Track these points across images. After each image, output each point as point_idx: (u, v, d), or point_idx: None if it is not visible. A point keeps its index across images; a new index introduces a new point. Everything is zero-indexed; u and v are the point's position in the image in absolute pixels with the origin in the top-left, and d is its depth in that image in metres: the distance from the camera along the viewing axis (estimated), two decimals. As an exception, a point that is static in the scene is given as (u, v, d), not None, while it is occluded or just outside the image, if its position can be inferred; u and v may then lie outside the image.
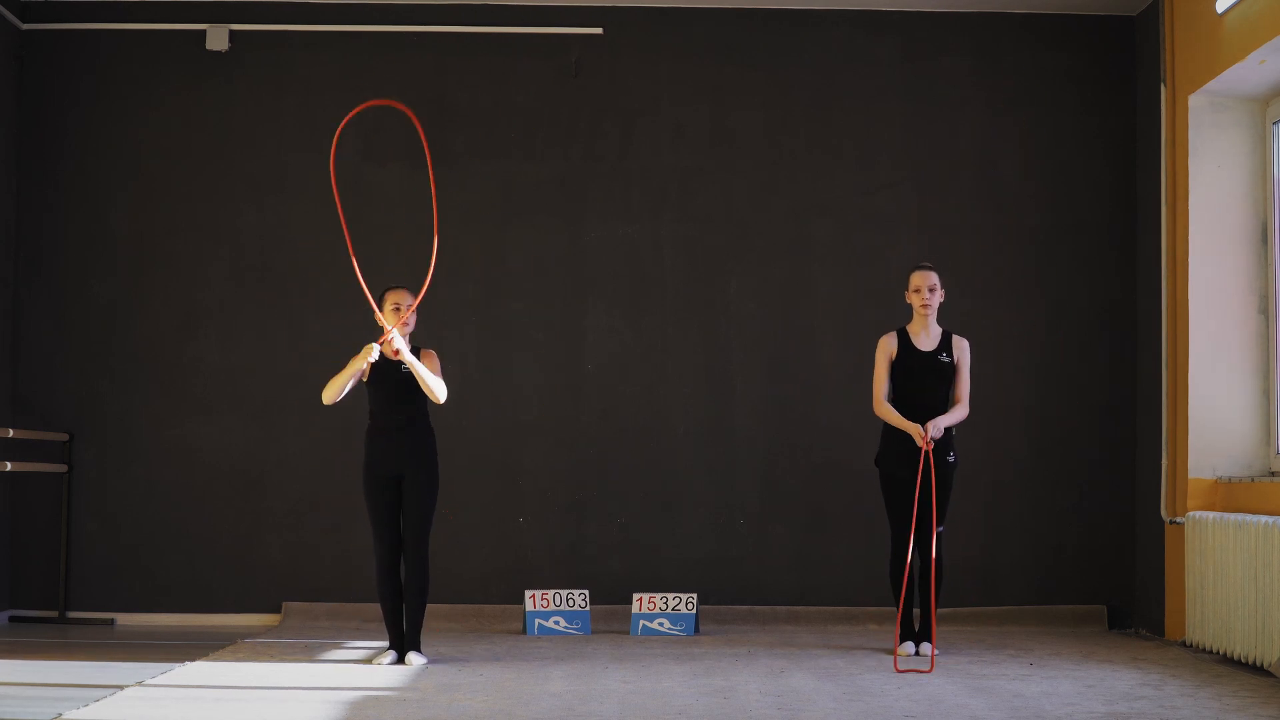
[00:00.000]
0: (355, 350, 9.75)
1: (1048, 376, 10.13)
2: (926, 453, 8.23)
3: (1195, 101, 9.07)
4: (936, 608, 8.44)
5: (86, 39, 10.15)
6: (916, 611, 8.58)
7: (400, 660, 8.02)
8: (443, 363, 8.45)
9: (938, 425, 8.28)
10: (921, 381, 8.41)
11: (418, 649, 8.07)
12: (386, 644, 8.26)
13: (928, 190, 10.21)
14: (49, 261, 10.08)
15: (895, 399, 8.48)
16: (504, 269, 10.18)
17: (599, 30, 10.19)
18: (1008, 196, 10.20)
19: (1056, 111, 10.21)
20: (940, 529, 8.39)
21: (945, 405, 8.44)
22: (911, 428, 8.30)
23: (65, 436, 9.96)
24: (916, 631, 8.51)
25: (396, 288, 8.24)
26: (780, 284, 10.18)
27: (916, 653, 8.36)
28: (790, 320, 10.17)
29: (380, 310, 8.15)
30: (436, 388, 8.01)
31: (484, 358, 10.04)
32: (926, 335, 8.46)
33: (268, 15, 10.18)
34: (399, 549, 8.05)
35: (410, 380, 8.07)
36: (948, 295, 8.73)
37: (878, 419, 8.57)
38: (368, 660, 8.12)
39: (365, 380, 8.15)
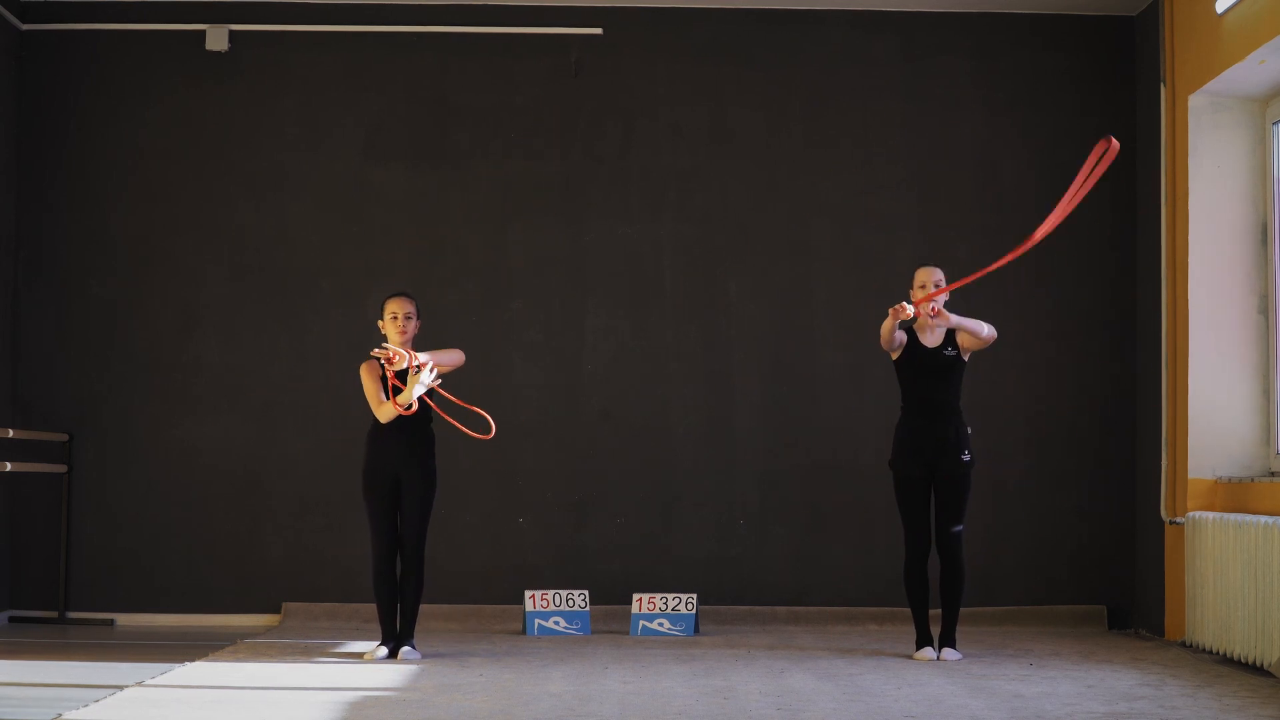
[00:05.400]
0: (358, 354, 9.77)
1: (1048, 377, 10.13)
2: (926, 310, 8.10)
3: (1195, 101, 9.07)
4: (959, 609, 8.33)
5: (86, 39, 10.15)
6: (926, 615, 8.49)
7: (393, 655, 8.12)
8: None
9: (948, 314, 8.10)
10: (928, 380, 8.31)
11: (411, 645, 8.20)
12: (379, 640, 8.28)
13: (928, 190, 10.21)
14: (49, 261, 10.08)
15: (903, 400, 8.41)
16: (504, 269, 10.18)
17: (599, 30, 10.19)
18: (1008, 196, 10.20)
19: (1056, 112, 10.20)
20: (958, 528, 8.28)
21: (953, 403, 8.33)
22: (896, 310, 8.10)
23: (65, 436, 9.96)
24: (936, 636, 8.41)
25: (398, 295, 8.26)
26: (780, 284, 10.18)
27: (938, 658, 8.25)
28: (790, 320, 10.17)
29: (381, 319, 8.20)
30: (455, 356, 8.28)
31: (484, 358, 10.03)
32: (932, 332, 8.40)
33: (268, 15, 10.18)
34: (395, 548, 8.21)
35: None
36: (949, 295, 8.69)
37: (878, 419, 8.54)
38: (360, 655, 8.18)
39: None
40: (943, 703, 6.77)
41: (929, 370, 8.33)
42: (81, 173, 10.13)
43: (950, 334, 8.38)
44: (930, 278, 8.34)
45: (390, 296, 8.28)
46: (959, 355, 8.35)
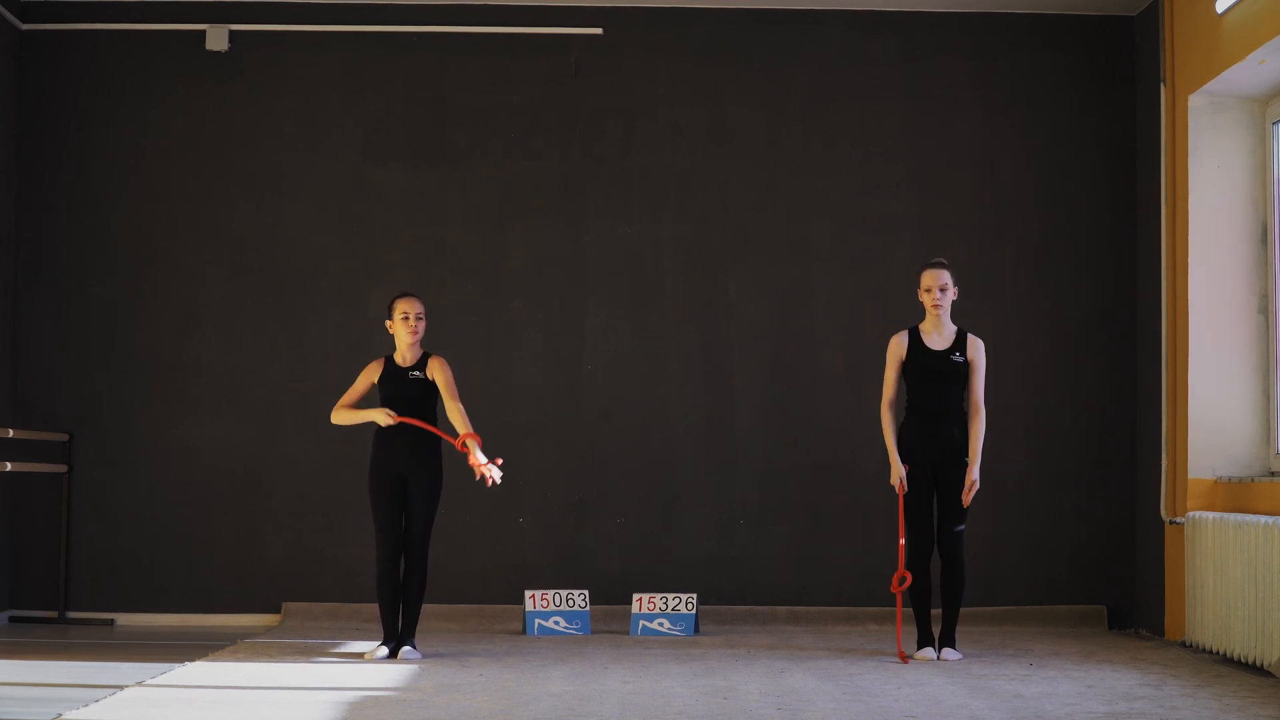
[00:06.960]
0: (358, 354, 9.75)
1: (1048, 377, 10.13)
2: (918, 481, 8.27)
3: (1195, 101, 9.07)
4: (959, 610, 8.36)
5: (86, 39, 10.14)
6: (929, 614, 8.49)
7: (393, 655, 8.12)
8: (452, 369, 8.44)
9: (973, 472, 8.22)
10: (933, 382, 8.31)
11: (412, 645, 8.21)
12: (380, 640, 8.29)
13: (927, 190, 10.21)
14: (49, 261, 10.08)
15: (908, 401, 8.41)
16: (504, 269, 10.18)
17: (599, 30, 10.19)
18: (1007, 196, 10.20)
19: (1055, 112, 10.21)
20: (960, 529, 8.29)
21: (959, 405, 8.33)
22: (895, 466, 8.26)
23: (65, 436, 9.96)
24: (937, 636, 8.40)
25: (407, 295, 8.28)
26: (780, 284, 10.18)
27: (938, 658, 8.24)
28: (790, 320, 10.17)
29: (390, 318, 8.22)
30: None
31: (484, 358, 10.03)
32: (939, 334, 8.38)
33: (267, 15, 10.17)
34: (400, 548, 8.21)
35: (421, 387, 8.16)
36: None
37: (878, 419, 8.51)
38: (360, 655, 8.19)
39: (376, 382, 8.23)
40: (943, 703, 6.78)
41: (934, 372, 8.32)
42: (81, 173, 10.13)
43: (959, 338, 8.36)
44: (937, 281, 8.32)
45: (399, 297, 8.27)
46: (965, 361, 8.33)
